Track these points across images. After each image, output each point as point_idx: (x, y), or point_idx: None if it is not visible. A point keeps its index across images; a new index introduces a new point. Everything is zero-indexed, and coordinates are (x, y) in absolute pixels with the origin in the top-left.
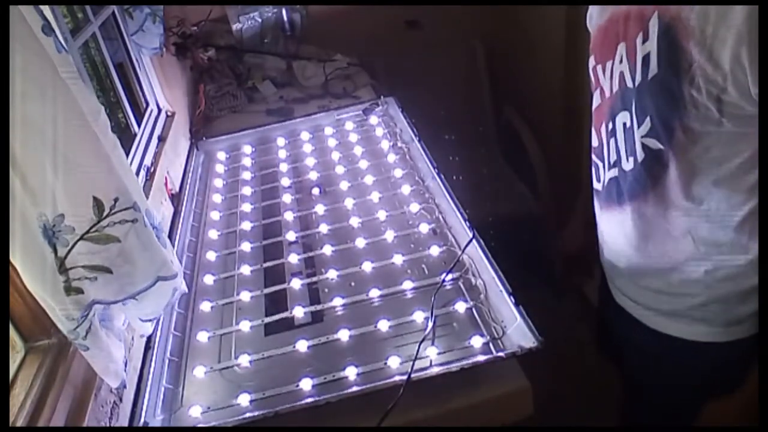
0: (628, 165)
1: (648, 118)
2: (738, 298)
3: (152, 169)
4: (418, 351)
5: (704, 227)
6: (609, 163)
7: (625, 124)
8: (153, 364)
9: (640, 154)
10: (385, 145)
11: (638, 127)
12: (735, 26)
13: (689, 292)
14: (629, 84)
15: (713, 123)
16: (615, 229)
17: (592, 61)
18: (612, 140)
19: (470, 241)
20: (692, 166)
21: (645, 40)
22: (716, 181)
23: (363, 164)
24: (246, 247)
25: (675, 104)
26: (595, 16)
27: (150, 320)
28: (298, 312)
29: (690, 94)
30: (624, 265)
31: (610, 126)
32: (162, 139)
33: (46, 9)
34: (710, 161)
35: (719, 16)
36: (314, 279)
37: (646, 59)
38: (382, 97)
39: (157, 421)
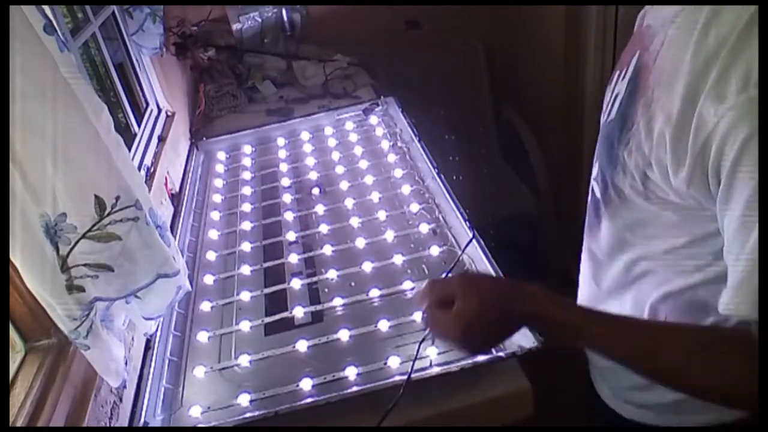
0: (589, 196)
1: (597, 162)
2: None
3: (152, 169)
4: (418, 351)
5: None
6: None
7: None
8: (153, 364)
9: (590, 193)
10: (385, 145)
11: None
12: (676, 97)
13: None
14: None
15: (640, 195)
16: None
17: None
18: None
19: (470, 241)
20: (619, 234)
21: (623, 76)
22: (642, 258)
23: (363, 164)
24: (246, 247)
25: (611, 159)
26: (640, 17)
27: (153, 318)
28: (298, 312)
29: (622, 155)
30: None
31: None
32: (162, 139)
33: (47, 8)
34: (640, 238)
35: (668, 80)
36: (314, 279)
37: (616, 98)
38: (382, 97)
39: (157, 421)
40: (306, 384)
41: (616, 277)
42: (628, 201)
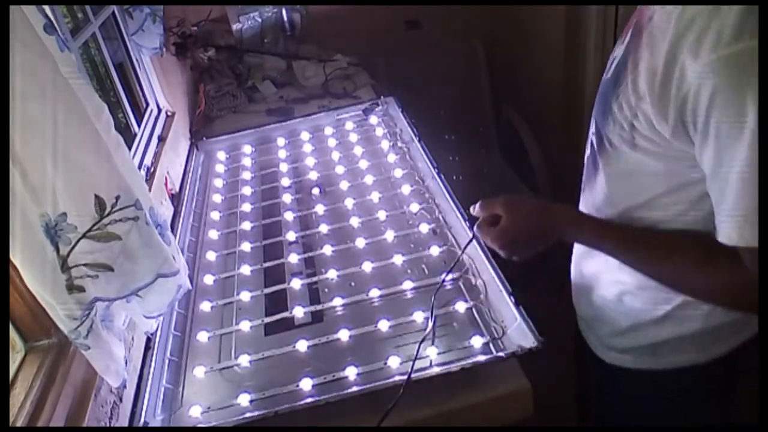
0: (587, 151)
1: (594, 117)
2: (652, 323)
3: (152, 169)
4: (418, 351)
5: None
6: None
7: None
8: (153, 364)
9: (589, 148)
10: (385, 145)
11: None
12: (660, 58)
13: (607, 315)
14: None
15: (628, 145)
16: None
17: None
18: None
19: (470, 241)
20: (612, 183)
21: (623, 42)
22: (629, 210)
23: (363, 164)
24: (246, 247)
25: (604, 112)
26: None
27: (154, 317)
28: (298, 312)
29: (614, 108)
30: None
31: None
32: (162, 139)
33: (47, 8)
34: (629, 186)
35: (655, 43)
36: (314, 279)
37: (614, 61)
38: (382, 97)
39: (157, 421)
40: (306, 384)
41: None
42: (618, 151)
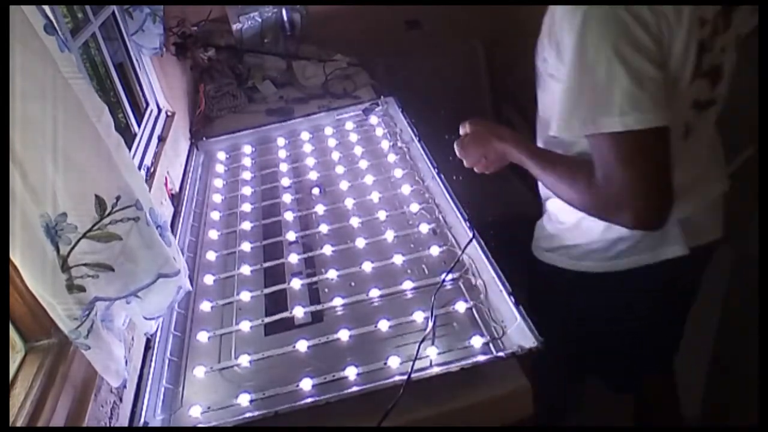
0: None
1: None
2: (566, 230)
3: (152, 169)
4: (418, 351)
5: None
6: None
7: None
8: (153, 364)
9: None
10: (385, 145)
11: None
12: (549, 18)
13: (541, 224)
14: None
15: (545, 73)
16: None
17: None
18: None
19: (470, 241)
20: (542, 113)
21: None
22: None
23: (363, 164)
24: (246, 247)
25: (538, 54)
26: None
27: (154, 318)
28: (298, 312)
29: (540, 50)
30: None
31: None
32: (162, 139)
33: (47, 8)
34: (548, 109)
35: (550, 13)
36: (314, 279)
37: None
38: (382, 97)
39: (157, 421)
40: (306, 384)
41: None
42: (542, 79)
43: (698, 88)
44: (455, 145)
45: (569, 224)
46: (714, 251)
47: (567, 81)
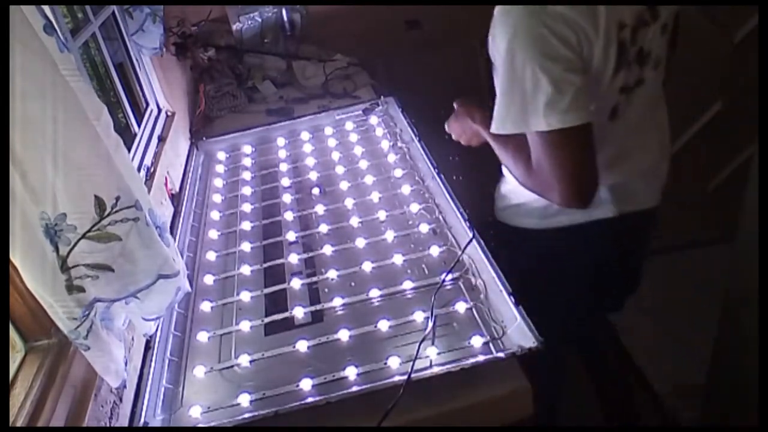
0: None
1: None
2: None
3: (152, 169)
4: (418, 351)
5: None
6: None
7: None
8: (153, 364)
9: None
10: (385, 145)
11: None
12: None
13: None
14: None
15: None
16: None
17: None
18: None
19: (470, 241)
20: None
21: None
22: None
23: (363, 164)
24: (246, 247)
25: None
26: None
27: (153, 319)
28: (298, 312)
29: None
30: None
31: None
32: (162, 139)
33: (47, 9)
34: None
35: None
36: (314, 279)
37: None
38: (382, 97)
39: (157, 421)
40: (306, 384)
41: None
42: (496, 71)
43: (624, 76)
44: (446, 122)
45: (515, 185)
46: (655, 216)
47: (500, 86)
